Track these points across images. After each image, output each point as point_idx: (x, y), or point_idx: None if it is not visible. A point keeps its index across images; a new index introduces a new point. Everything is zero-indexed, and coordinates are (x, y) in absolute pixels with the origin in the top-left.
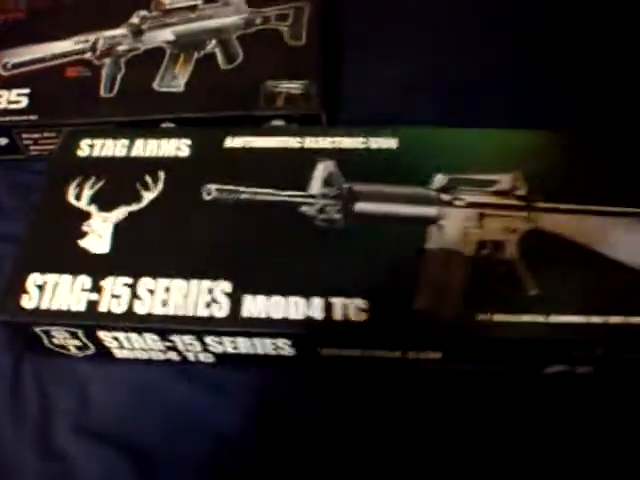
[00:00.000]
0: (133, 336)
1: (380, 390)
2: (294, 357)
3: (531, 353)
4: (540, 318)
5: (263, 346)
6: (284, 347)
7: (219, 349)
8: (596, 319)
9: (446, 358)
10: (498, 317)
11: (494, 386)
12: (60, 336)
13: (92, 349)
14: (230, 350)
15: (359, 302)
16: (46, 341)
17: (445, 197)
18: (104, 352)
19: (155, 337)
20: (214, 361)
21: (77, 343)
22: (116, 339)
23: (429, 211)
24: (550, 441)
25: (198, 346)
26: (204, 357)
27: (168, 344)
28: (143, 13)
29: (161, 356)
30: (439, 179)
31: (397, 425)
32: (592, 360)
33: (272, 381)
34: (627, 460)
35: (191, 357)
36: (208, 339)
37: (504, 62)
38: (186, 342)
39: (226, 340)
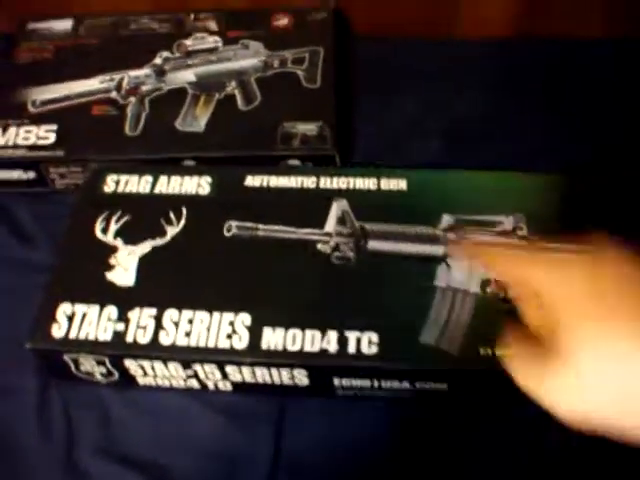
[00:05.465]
0: (157, 365)
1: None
2: (308, 387)
3: None
4: None
5: (280, 376)
6: (299, 377)
7: (238, 378)
8: None
9: (452, 389)
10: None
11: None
12: (87, 364)
13: (116, 376)
14: (248, 379)
15: (371, 335)
16: (73, 368)
17: (452, 236)
18: (128, 379)
19: (178, 366)
20: (232, 389)
21: (103, 370)
22: (142, 367)
23: (437, 250)
24: None
25: (218, 375)
26: (222, 385)
27: (190, 372)
28: (166, 54)
29: (182, 384)
30: (446, 219)
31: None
32: None
33: (288, 409)
34: None
35: (211, 385)
36: (229, 369)
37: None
38: (207, 371)
39: (245, 370)
